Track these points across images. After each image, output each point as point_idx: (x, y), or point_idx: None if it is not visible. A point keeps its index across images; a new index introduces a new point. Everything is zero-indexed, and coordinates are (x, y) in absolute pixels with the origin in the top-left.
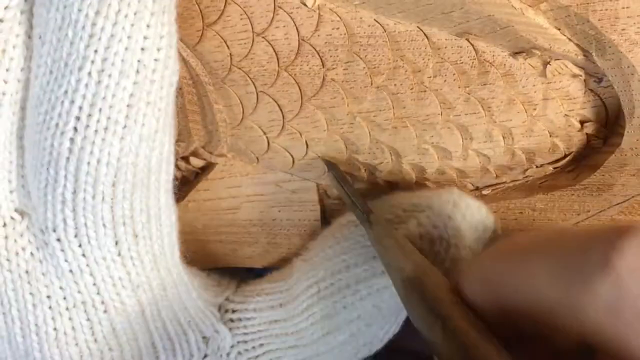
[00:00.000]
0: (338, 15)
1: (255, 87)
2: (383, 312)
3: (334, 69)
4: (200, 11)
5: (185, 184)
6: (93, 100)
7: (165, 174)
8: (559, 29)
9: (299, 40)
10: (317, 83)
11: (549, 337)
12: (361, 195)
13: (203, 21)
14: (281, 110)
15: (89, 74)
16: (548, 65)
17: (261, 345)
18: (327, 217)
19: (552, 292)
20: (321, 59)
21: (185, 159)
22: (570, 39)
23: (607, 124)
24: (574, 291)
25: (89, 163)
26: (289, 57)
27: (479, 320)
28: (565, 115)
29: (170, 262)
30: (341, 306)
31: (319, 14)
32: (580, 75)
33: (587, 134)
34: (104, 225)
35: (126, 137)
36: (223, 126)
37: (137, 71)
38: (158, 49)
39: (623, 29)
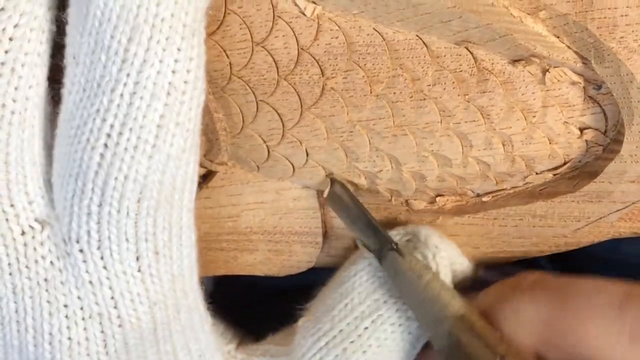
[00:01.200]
0: (337, 25)
1: (255, 96)
2: (383, 352)
3: (333, 77)
4: None
5: None
6: (124, 120)
7: (189, 193)
8: (558, 37)
9: (298, 50)
10: (316, 92)
11: None
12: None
13: None
14: (281, 119)
15: (121, 95)
16: (547, 73)
17: None
18: (327, 225)
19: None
20: (320, 68)
21: None
22: (569, 47)
23: (607, 131)
24: None
25: (116, 178)
26: (288, 66)
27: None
28: (565, 122)
29: (188, 285)
30: (351, 352)
31: (318, 23)
32: (580, 83)
33: (586, 141)
34: (126, 239)
35: (154, 156)
36: (223, 135)
37: (168, 93)
38: (188, 71)
39: (621, 37)
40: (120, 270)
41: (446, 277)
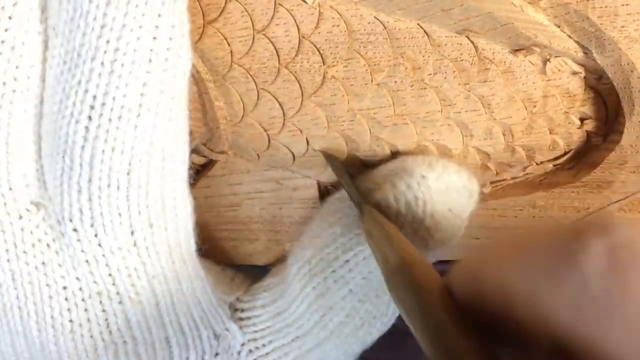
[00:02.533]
0: (338, 13)
1: (256, 85)
2: (373, 285)
3: (334, 66)
4: (201, 8)
5: None
6: (106, 89)
7: (180, 164)
8: (559, 26)
9: (299, 38)
10: (317, 80)
11: (525, 346)
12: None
13: (204, 18)
14: (282, 107)
15: (102, 63)
16: (548, 63)
17: (270, 342)
18: None
19: (522, 290)
20: (321, 56)
21: None
22: (570, 36)
23: (607, 121)
24: (541, 290)
25: (103, 151)
26: (289, 55)
27: (465, 317)
28: (565, 112)
29: (186, 254)
30: (332, 281)
31: (320, 11)
32: (580, 73)
33: (587, 131)
34: (119, 214)
35: (140, 125)
36: (224, 123)
37: (150, 60)
38: (170, 38)
39: (622, 26)
40: (115, 246)
41: (442, 203)
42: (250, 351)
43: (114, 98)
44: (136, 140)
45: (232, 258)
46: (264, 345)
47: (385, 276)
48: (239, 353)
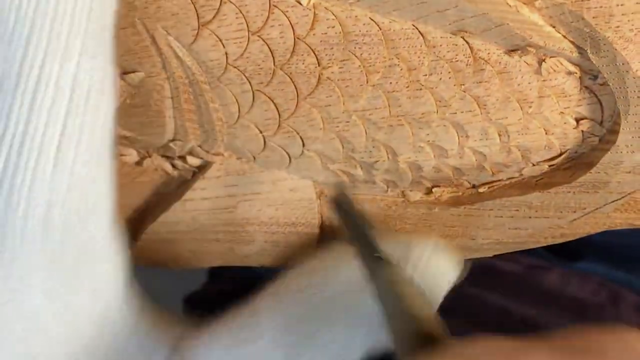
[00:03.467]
0: (333, 14)
1: (251, 86)
2: None
3: (329, 67)
4: (196, 10)
5: (182, 183)
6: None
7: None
8: (554, 27)
9: (294, 39)
10: (312, 82)
11: None
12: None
13: (198, 20)
14: (277, 109)
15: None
16: (543, 63)
17: None
18: (323, 216)
19: None
20: (317, 57)
21: (182, 158)
22: (565, 37)
23: (603, 122)
24: None
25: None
26: (284, 56)
27: None
28: (561, 112)
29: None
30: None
31: (314, 12)
32: (576, 73)
33: (582, 131)
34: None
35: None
36: (219, 125)
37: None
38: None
39: (617, 26)
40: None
41: (433, 290)
42: None
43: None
44: (56, 175)
45: (228, 259)
46: None
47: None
48: None
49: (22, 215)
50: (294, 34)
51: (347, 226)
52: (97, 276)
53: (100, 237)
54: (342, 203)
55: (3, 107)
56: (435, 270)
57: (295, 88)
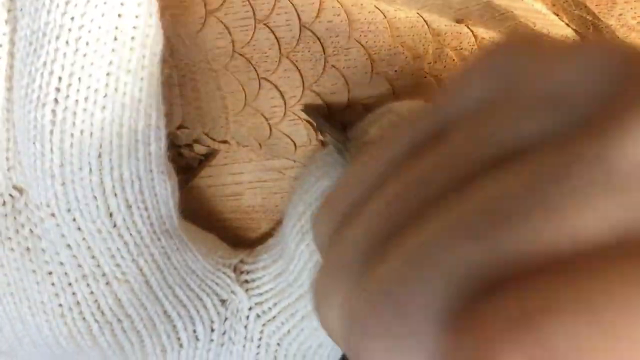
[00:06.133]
0: (339, 2)
1: (258, 74)
2: None
3: (335, 55)
4: None
5: (188, 170)
6: (72, 69)
7: (155, 145)
8: (557, 14)
9: (300, 27)
10: (318, 69)
11: None
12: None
13: (205, 8)
14: (283, 96)
15: (67, 42)
16: None
17: (275, 304)
18: None
19: None
20: (322, 45)
21: (189, 146)
22: (568, 25)
23: None
24: None
25: (72, 134)
26: (290, 44)
27: None
28: None
29: (171, 229)
30: None
31: (320, 0)
32: None
33: None
34: (94, 197)
35: (108, 106)
36: (225, 113)
37: (115, 38)
38: (136, 16)
39: (620, 14)
40: (94, 229)
41: None
42: (258, 316)
43: (79, 78)
44: (105, 121)
45: (234, 247)
46: (269, 308)
47: None
48: (247, 318)
49: (78, 151)
50: (299, 21)
51: (317, 124)
52: (157, 197)
53: (152, 166)
54: (312, 113)
55: None
56: None
57: (301, 76)
